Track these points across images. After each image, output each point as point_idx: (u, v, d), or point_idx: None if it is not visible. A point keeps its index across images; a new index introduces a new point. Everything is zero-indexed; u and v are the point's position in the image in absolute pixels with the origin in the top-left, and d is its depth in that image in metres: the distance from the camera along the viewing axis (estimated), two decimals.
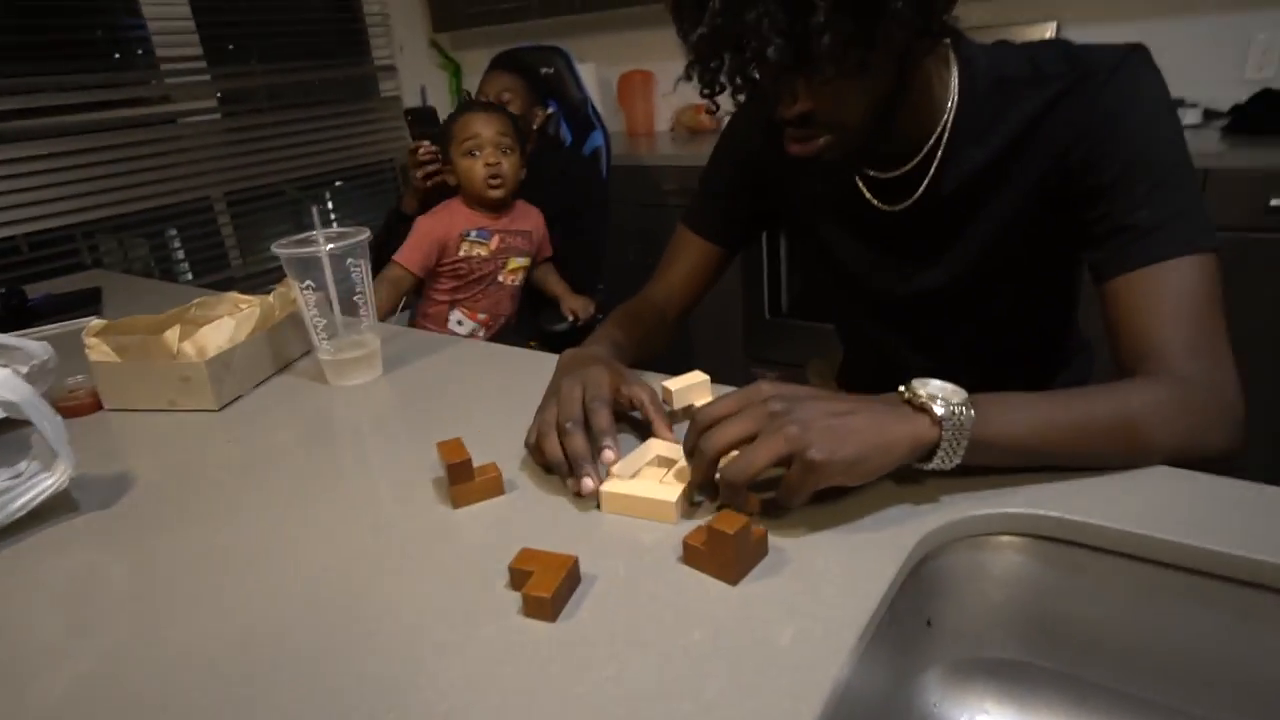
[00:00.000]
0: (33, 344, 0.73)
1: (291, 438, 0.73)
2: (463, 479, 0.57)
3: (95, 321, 0.84)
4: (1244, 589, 0.47)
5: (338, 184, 2.93)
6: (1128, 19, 2.02)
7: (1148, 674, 0.50)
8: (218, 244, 2.59)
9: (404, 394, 0.81)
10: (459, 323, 1.62)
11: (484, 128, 1.53)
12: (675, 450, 0.58)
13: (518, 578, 0.47)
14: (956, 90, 0.68)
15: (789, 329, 2.27)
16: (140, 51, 2.35)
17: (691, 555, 0.49)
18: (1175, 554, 0.48)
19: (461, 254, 1.57)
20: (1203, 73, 1.94)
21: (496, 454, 0.62)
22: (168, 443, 0.74)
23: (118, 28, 2.30)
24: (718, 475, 0.52)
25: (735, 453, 0.51)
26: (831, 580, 0.47)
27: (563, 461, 0.57)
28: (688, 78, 0.61)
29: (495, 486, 0.58)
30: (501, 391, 0.79)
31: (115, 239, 2.36)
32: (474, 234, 1.57)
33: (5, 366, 0.62)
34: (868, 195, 0.76)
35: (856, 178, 0.76)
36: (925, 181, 0.71)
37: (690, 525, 0.51)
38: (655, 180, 2.28)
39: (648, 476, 0.57)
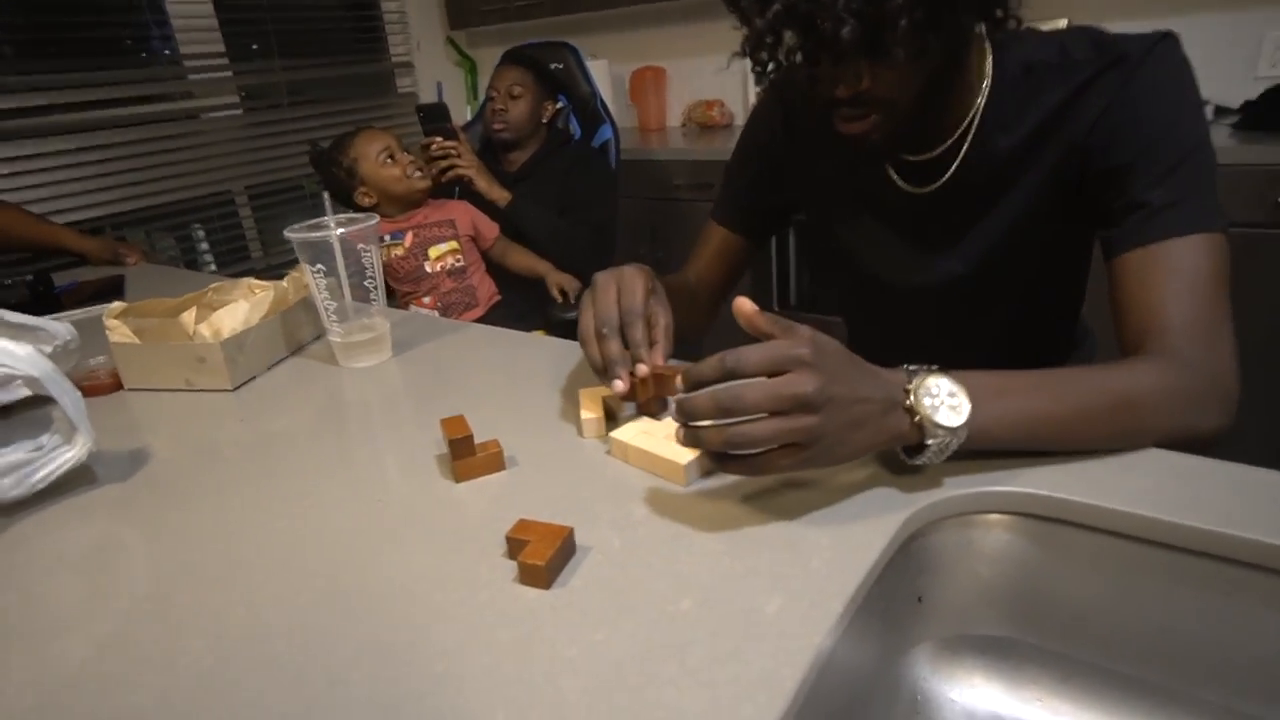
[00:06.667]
0: (56, 325, 0.75)
1: (302, 417, 0.74)
2: (465, 454, 0.58)
3: (116, 304, 0.86)
4: (1230, 566, 0.47)
5: None
6: (1138, 14, 2.00)
7: (1134, 651, 0.51)
8: (239, 237, 2.62)
9: (411, 375, 0.82)
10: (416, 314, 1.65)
11: (381, 135, 1.53)
12: None
13: (514, 546, 0.48)
14: (990, 75, 0.68)
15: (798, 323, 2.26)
16: (165, 50, 2.38)
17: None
18: (1163, 532, 0.48)
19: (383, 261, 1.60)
20: (1215, 70, 1.91)
21: (499, 431, 0.63)
22: (184, 421, 0.75)
23: (141, 25, 2.33)
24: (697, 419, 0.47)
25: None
26: (820, 553, 0.47)
27: (600, 364, 0.61)
28: (743, 53, 0.60)
29: (496, 462, 0.59)
30: (505, 373, 0.80)
31: (142, 231, 2.39)
32: (387, 239, 1.58)
33: (29, 345, 0.63)
34: (895, 178, 0.75)
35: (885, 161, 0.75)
36: (954, 166, 0.71)
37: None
38: (666, 174, 2.27)
39: (667, 431, 0.56)
